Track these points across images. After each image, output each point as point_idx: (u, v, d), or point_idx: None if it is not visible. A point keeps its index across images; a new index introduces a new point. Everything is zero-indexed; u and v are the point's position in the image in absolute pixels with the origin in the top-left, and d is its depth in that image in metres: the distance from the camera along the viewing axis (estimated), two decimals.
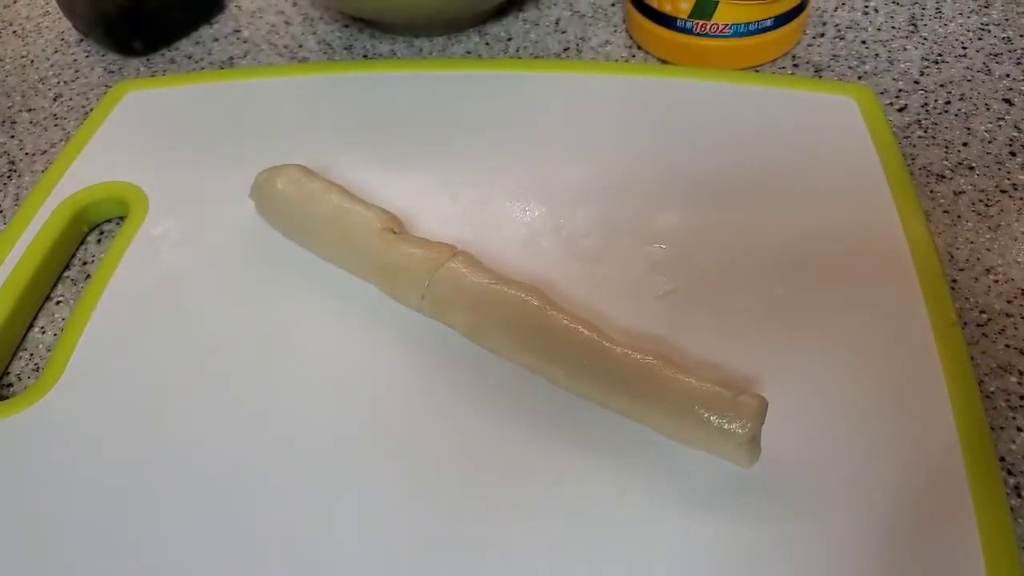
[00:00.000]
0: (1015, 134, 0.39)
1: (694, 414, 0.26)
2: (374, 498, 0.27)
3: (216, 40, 0.50)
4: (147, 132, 0.42)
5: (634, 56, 0.45)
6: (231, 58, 0.48)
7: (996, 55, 0.44)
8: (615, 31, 0.47)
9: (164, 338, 0.33)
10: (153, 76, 0.47)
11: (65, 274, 0.37)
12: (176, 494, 0.28)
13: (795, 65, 0.44)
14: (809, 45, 0.45)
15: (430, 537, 0.26)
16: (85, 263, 0.38)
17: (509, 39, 0.47)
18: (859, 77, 0.43)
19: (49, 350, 0.34)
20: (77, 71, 0.49)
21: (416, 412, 0.29)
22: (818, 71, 0.43)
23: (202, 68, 0.48)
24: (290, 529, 0.27)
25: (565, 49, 0.46)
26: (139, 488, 0.28)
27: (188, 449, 0.29)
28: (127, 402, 0.31)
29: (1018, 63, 0.43)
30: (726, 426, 0.26)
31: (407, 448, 0.28)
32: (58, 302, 0.36)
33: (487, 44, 0.47)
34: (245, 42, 0.49)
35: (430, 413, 0.29)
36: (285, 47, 0.49)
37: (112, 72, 0.48)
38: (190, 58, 0.49)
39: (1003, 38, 0.45)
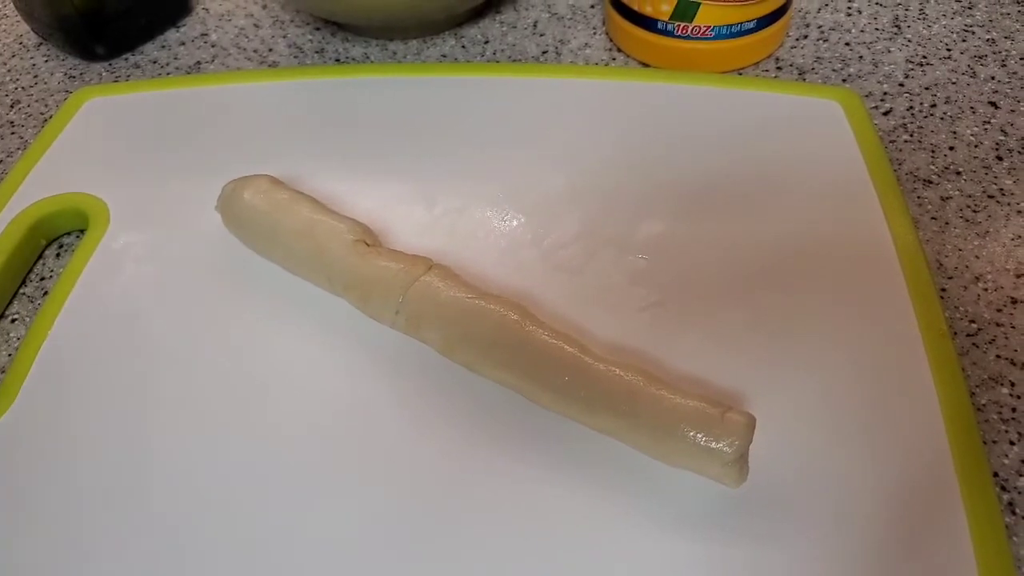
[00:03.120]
0: (1001, 138, 0.38)
1: (679, 433, 0.25)
2: (347, 516, 0.26)
3: (183, 44, 0.48)
4: (109, 140, 0.40)
5: (614, 59, 0.44)
6: (198, 63, 0.47)
7: (981, 57, 0.43)
8: (595, 33, 0.46)
9: (125, 358, 0.31)
10: (116, 82, 0.46)
11: (21, 290, 0.36)
12: (137, 518, 0.26)
13: (778, 68, 0.43)
14: (792, 47, 0.44)
15: (405, 556, 0.25)
16: (43, 279, 0.36)
17: (486, 42, 0.46)
18: (843, 79, 0.42)
19: (3, 371, 0.32)
20: (36, 76, 0.47)
21: (389, 431, 0.28)
22: (802, 74, 0.42)
23: (167, 73, 0.46)
24: (256, 548, 0.25)
25: (544, 52, 0.45)
26: (96, 512, 0.27)
27: (149, 473, 0.27)
28: (85, 426, 0.29)
29: (1003, 65, 0.42)
30: (713, 445, 0.25)
31: (381, 468, 0.27)
32: (13, 320, 0.34)
33: (463, 47, 0.46)
34: (213, 46, 0.48)
35: (404, 432, 0.28)
36: (255, 51, 0.47)
37: (73, 78, 0.46)
38: (155, 63, 0.47)
39: (987, 40, 0.44)
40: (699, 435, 0.25)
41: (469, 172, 0.37)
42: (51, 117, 0.42)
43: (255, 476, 0.27)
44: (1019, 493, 0.27)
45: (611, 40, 0.45)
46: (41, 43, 0.49)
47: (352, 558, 0.25)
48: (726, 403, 0.26)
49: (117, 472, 0.28)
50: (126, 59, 0.47)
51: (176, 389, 0.30)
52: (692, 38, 0.41)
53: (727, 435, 0.25)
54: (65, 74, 0.47)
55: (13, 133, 0.43)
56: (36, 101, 0.45)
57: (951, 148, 0.38)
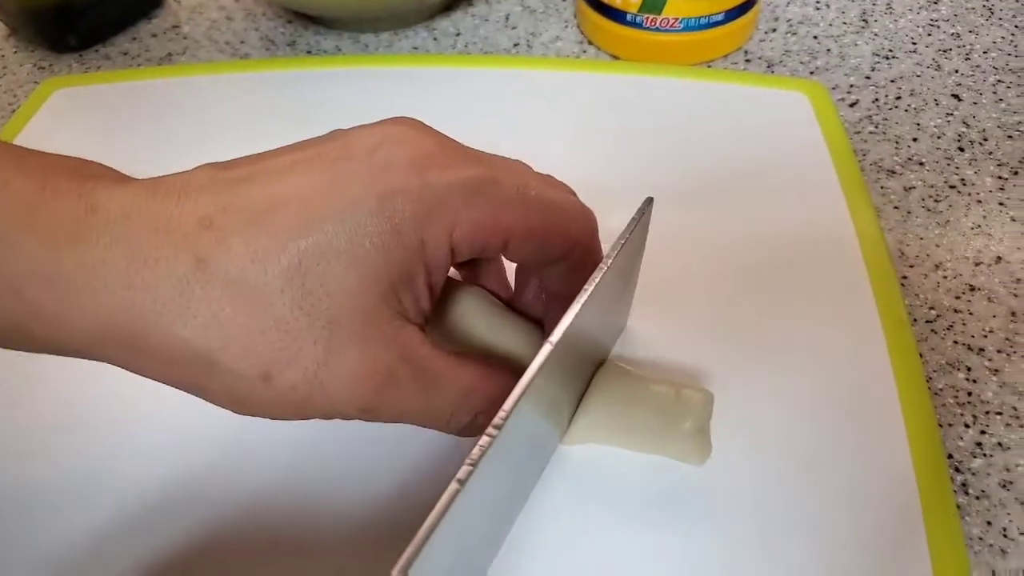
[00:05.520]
0: (963, 129, 0.39)
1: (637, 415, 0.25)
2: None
3: (154, 36, 0.48)
4: (76, 131, 0.40)
5: (585, 52, 0.44)
6: (169, 55, 0.46)
7: (945, 51, 0.44)
8: (566, 26, 0.46)
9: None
10: (86, 73, 0.45)
11: None
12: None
13: (747, 60, 0.43)
14: (761, 40, 0.45)
15: (369, 548, 0.25)
16: None
17: (458, 34, 0.46)
18: (811, 72, 0.42)
19: None
20: (4, 67, 0.46)
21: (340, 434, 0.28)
22: (770, 66, 0.43)
23: (138, 65, 0.46)
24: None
25: (515, 45, 0.45)
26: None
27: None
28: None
29: (967, 59, 0.43)
30: (670, 422, 0.25)
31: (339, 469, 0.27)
32: None
33: (435, 40, 0.46)
34: (184, 38, 0.48)
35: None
36: (227, 43, 0.47)
37: (42, 68, 0.46)
38: (126, 55, 0.47)
39: (952, 34, 0.45)
40: (656, 414, 0.25)
41: None
42: (19, 108, 0.42)
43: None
44: (972, 474, 0.27)
45: (582, 33, 0.45)
46: (10, 34, 0.49)
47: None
48: (682, 382, 0.26)
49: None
50: (96, 51, 0.47)
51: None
52: (661, 30, 0.41)
53: (684, 411, 0.25)
54: (34, 65, 0.46)
55: None
56: (4, 92, 0.45)
57: (915, 139, 0.39)
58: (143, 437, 0.27)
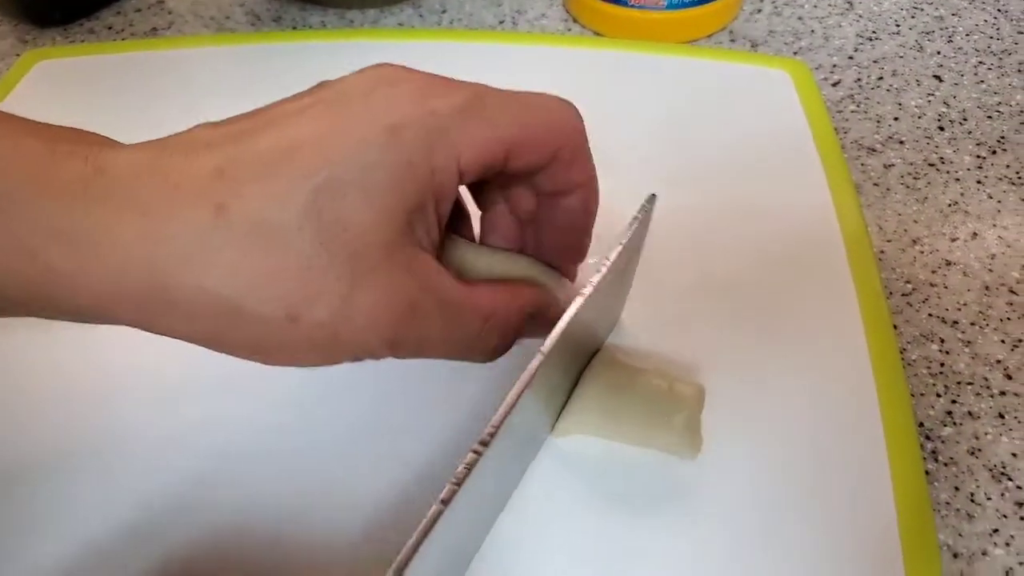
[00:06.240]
0: (944, 109, 0.39)
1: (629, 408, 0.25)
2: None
3: (138, 10, 0.48)
4: (58, 104, 0.40)
5: (570, 30, 0.44)
6: (154, 29, 0.46)
7: (928, 33, 0.44)
8: (551, 4, 0.46)
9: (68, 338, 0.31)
10: (70, 45, 0.45)
11: None
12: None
13: (732, 40, 0.43)
14: (746, 20, 0.45)
15: (369, 521, 0.25)
16: None
17: (443, 11, 0.46)
18: (795, 52, 0.43)
19: None
20: None
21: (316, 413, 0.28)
22: (755, 46, 0.43)
23: (122, 39, 0.46)
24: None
25: (500, 22, 0.45)
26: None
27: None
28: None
29: (949, 40, 0.43)
30: (662, 416, 0.25)
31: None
32: None
33: (420, 16, 0.46)
34: (169, 13, 0.47)
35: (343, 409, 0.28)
36: (212, 18, 0.47)
37: (25, 42, 0.46)
38: (110, 28, 0.46)
39: (935, 16, 0.45)
40: (648, 406, 0.25)
41: None
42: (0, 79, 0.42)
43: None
44: (942, 442, 0.27)
45: (567, 11, 0.45)
46: None
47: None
48: (672, 373, 0.26)
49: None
50: (80, 24, 0.47)
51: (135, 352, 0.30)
52: (646, 8, 0.41)
53: (677, 404, 0.25)
54: (17, 38, 0.46)
55: None
56: None
57: (896, 119, 0.39)
58: (136, 445, 0.27)
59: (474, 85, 0.21)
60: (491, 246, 0.25)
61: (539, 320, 0.24)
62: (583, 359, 0.27)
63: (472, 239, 0.26)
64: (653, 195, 0.25)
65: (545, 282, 0.25)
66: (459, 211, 0.25)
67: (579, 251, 0.26)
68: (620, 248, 0.24)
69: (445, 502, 0.18)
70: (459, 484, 0.19)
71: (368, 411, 0.27)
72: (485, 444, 0.19)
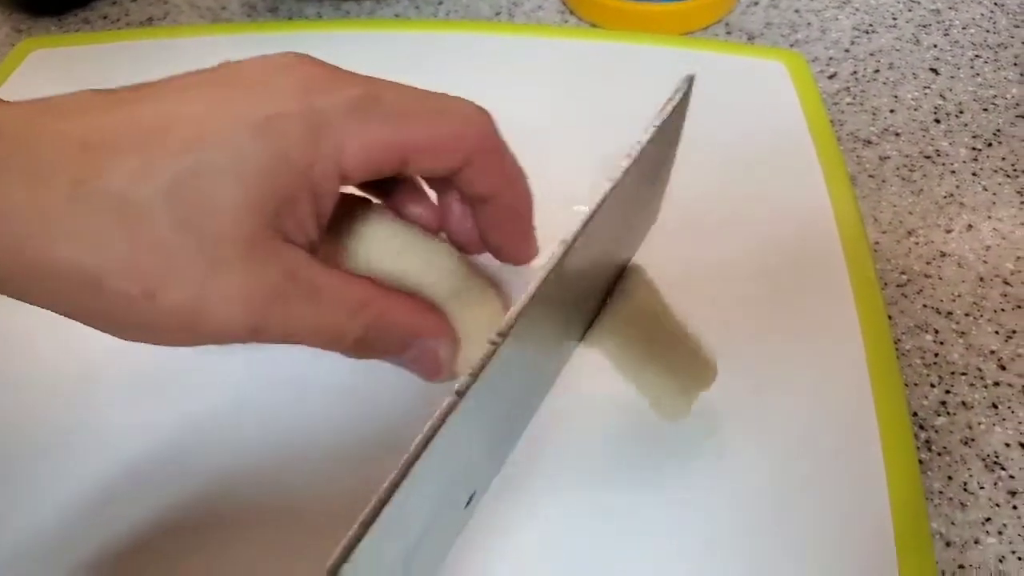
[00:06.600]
0: (940, 102, 0.39)
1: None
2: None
3: (134, 0, 0.47)
4: (53, 93, 0.39)
5: (566, 22, 0.44)
6: (150, 19, 0.46)
7: (925, 26, 0.44)
8: None
9: (55, 341, 0.30)
10: (64, 34, 0.45)
11: None
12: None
13: (728, 32, 0.43)
14: (743, 13, 0.45)
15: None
16: None
17: (439, 2, 0.46)
18: (791, 45, 0.43)
19: None
20: None
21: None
22: (751, 38, 0.43)
23: (118, 29, 0.45)
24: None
25: (497, 14, 0.45)
26: None
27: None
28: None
29: (946, 34, 0.43)
30: (678, 379, 0.24)
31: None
32: None
33: (416, 8, 0.46)
34: (165, 2, 0.47)
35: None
36: (208, 9, 0.47)
37: (20, 31, 0.46)
38: (105, 18, 0.46)
39: (932, 9, 0.45)
40: (669, 365, 0.25)
41: None
42: None
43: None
44: (936, 431, 0.27)
45: (563, 2, 0.45)
46: None
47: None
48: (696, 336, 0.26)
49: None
50: (75, 14, 0.47)
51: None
52: (644, 0, 0.41)
53: (696, 376, 0.25)
54: (12, 27, 0.46)
55: None
56: None
57: (892, 111, 0.39)
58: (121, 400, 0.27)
59: (376, 83, 0.21)
60: (416, 232, 0.24)
61: (400, 339, 0.22)
62: (613, 267, 0.25)
63: (424, 213, 0.25)
64: (691, 76, 0.23)
65: (442, 267, 0.23)
66: (413, 188, 0.24)
67: (522, 252, 0.24)
68: (650, 135, 0.22)
69: (460, 394, 0.17)
70: (475, 377, 0.17)
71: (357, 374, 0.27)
72: (503, 335, 0.18)
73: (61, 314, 0.19)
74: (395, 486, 0.16)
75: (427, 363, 0.22)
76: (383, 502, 0.15)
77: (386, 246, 0.23)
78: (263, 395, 0.28)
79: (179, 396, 0.28)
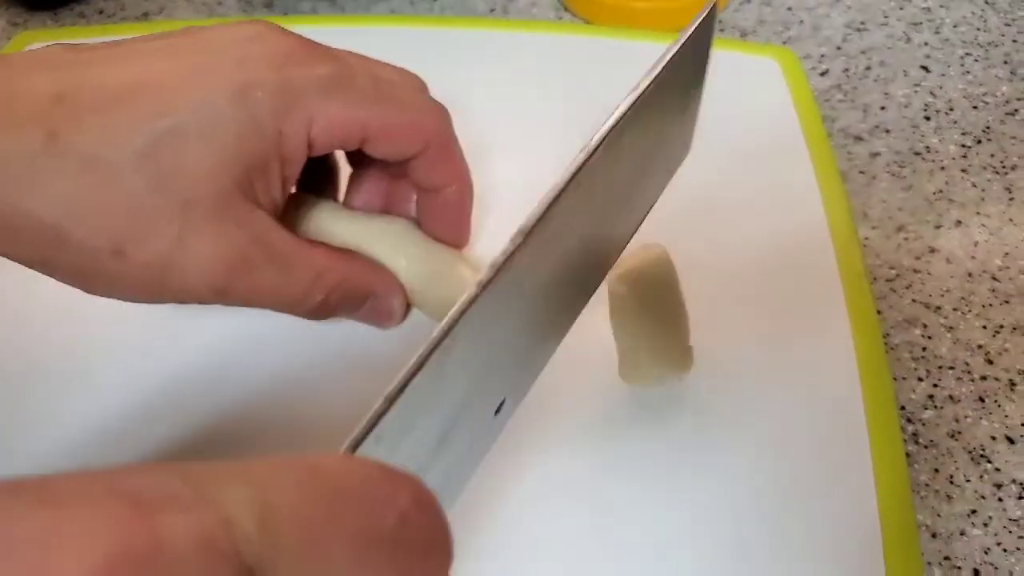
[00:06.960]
0: (930, 99, 0.40)
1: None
2: None
3: None
4: None
5: (560, 17, 0.45)
6: (146, 14, 0.46)
7: (916, 24, 0.44)
8: None
9: (45, 334, 0.30)
10: (60, 28, 0.45)
11: None
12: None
13: (721, 30, 0.44)
14: (736, 10, 0.45)
15: None
16: None
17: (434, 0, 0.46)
18: (784, 42, 0.43)
19: None
20: None
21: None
22: (744, 35, 0.43)
23: (113, 23, 0.45)
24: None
25: (492, 9, 0.45)
26: None
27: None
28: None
29: (937, 32, 0.43)
30: (664, 360, 0.25)
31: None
32: None
33: (411, 3, 0.46)
34: None
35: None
36: (203, 3, 0.47)
37: (16, 25, 0.46)
38: (101, 12, 0.46)
39: (923, 8, 0.45)
40: (663, 347, 0.26)
41: None
42: None
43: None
44: (923, 425, 0.28)
45: (558, 0, 0.46)
46: None
47: None
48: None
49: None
50: (71, 9, 0.47)
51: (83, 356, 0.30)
52: None
53: (678, 363, 0.26)
54: (8, 22, 0.46)
55: None
56: None
57: (882, 108, 0.39)
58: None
59: (349, 61, 0.21)
60: (359, 213, 0.25)
61: (358, 300, 0.23)
62: (647, 187, 0.25)
63: (336, 199, 0.26)
64: (714, 4, 0.23)
65: (409, 252, 0.24)
66: (328, 171, 0.25)
67: (458, 239, 0.26)
68: (665, 62, 0.22)
69: (484, 285, 0.17)
70: (497, 269, 0.17)
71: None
72: (524, 234, 0.18)
73: (25, 265, 0.19)
74: (422, 361, 0.15)
75: (381, 314, 0.23)
76: (413, 372, 0.15)
77: (338, 222, 0.24)
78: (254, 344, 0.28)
79: (167, 351, 0.28)
